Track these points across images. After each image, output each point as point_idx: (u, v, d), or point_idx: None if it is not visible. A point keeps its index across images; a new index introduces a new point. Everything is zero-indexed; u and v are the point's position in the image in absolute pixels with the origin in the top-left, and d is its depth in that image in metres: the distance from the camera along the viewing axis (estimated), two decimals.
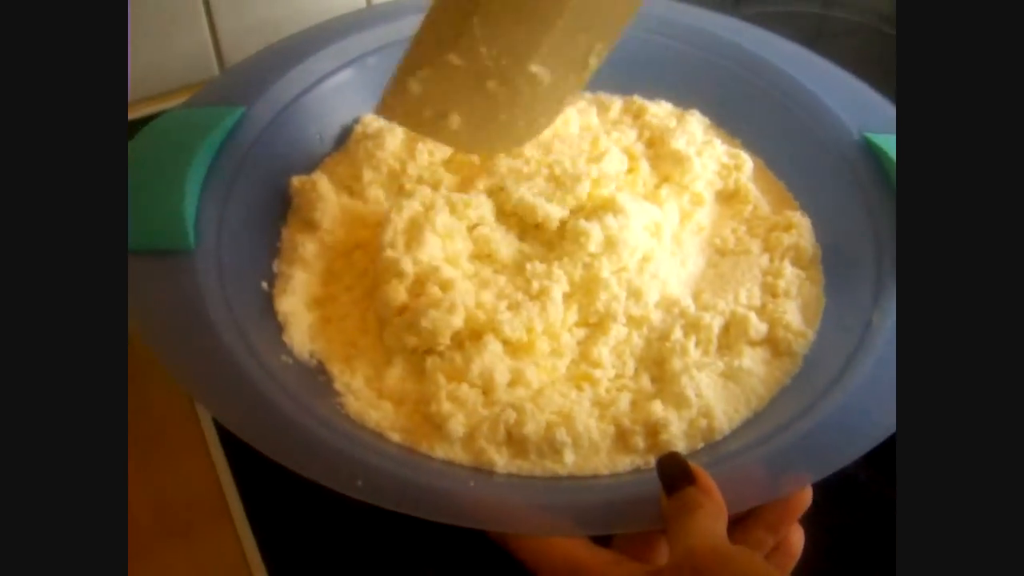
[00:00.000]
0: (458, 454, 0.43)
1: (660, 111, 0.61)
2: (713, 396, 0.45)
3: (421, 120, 0.47)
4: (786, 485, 0.38)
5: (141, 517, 0.47)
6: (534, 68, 0.44)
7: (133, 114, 0.61)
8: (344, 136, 0.59)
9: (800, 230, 0.53)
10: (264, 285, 0.50)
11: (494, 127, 0.48)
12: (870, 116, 0.56)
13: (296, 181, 0.55)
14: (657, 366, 0.48)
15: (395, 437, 0.43)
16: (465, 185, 0.56)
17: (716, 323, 0.48)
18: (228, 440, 0.49)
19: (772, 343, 0.48)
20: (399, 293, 0.48)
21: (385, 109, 0.47)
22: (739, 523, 0.37)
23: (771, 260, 0.53)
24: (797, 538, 0.39)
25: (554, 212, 0.51)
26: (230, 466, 0.48)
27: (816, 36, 0.80)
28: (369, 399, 0.45)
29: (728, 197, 0.58)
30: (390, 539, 0.46)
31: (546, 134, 0.57)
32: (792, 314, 0.49)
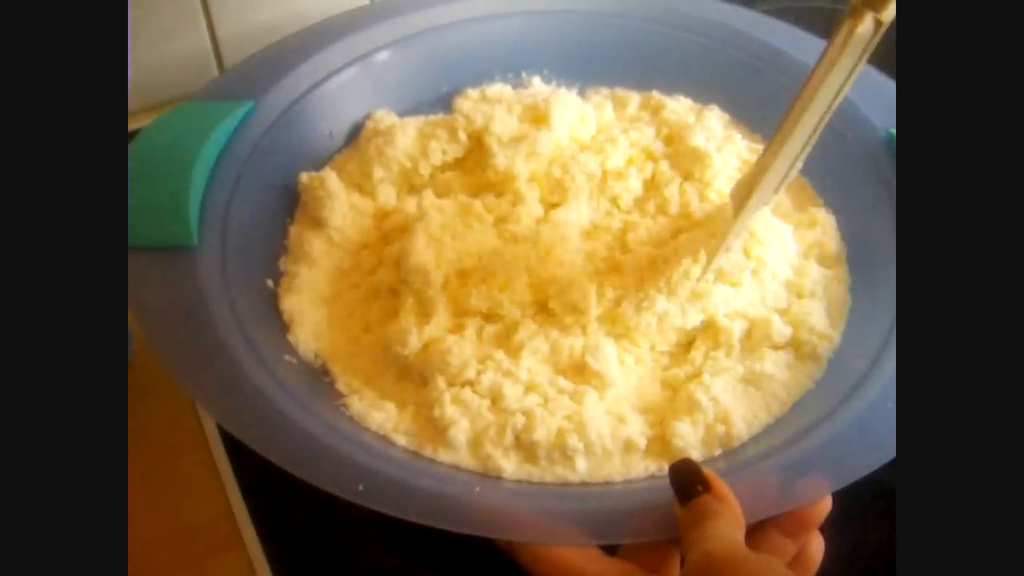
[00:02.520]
0: (464, 459, 0.41)
1: (679, 107, 0.59)
2: (731, 401, 0.44)
3: None
4: (805, 494, 0.36)
5: (148, 548, 0.45)
6: None
7: (133, 124, 0.59)
8: (355, 132, 0.58)
9: (824, 227, 0.51)
10: (269, 283, 0.49)
11: None
12: (895, 112, 0.54)
13: (305, 177, 0.53)
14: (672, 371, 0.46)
15: (400, 440, 0.42)
16: (478, 186, 0.54)
17: (737, 327, 0.46)
18: (240, 464, 0.47)
19: (796, 346, 0.46)
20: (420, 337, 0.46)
21: None
22: (755, 528, 0.36)
23: (796, 259, 0.51)
24: (816, 547, 0.37)
25: None
26: (241, 491, 0.47)
27: (830, 31, 0.78)
28: (372, 400, 0.44)
29: None
30: (406, 562, 0.44)
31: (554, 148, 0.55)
32: (817, 316, 0.47)
